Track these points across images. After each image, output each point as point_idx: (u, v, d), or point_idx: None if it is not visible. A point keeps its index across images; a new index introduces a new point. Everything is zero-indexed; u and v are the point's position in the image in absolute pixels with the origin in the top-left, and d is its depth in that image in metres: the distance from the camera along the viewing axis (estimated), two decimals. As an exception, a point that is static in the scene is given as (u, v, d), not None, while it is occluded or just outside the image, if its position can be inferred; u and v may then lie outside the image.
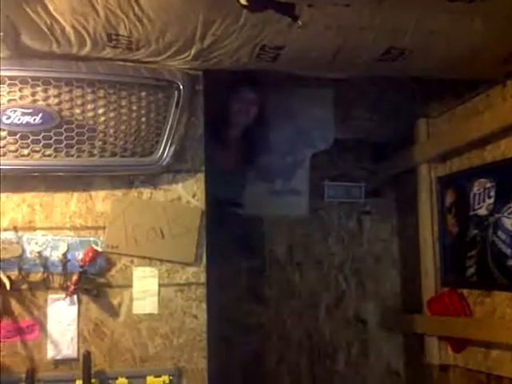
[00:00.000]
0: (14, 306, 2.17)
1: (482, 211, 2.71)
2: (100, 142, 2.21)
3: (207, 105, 2.39)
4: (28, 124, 2.12)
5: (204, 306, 2.30)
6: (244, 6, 1.91)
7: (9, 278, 2.14)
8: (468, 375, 2.81)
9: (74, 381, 2.17)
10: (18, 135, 2.13)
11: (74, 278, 2.18)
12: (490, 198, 2.66)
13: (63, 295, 2.19)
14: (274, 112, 2.76)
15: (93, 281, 2.22)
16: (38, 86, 2.14)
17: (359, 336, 3.48)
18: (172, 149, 2.29)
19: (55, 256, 2.20)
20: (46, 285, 2.20)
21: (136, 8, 1.93)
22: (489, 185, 2.67)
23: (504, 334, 2.46)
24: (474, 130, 2.70)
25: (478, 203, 2.74)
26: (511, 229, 2.50)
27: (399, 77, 2.66)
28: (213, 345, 2.35)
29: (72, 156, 2.19)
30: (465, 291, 2.85)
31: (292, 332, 3.39)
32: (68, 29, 1.99)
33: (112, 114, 2.21)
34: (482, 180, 2.72)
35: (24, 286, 2.18)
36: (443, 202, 3.02)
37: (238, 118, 2.89)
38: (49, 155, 2.17)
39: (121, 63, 2.22)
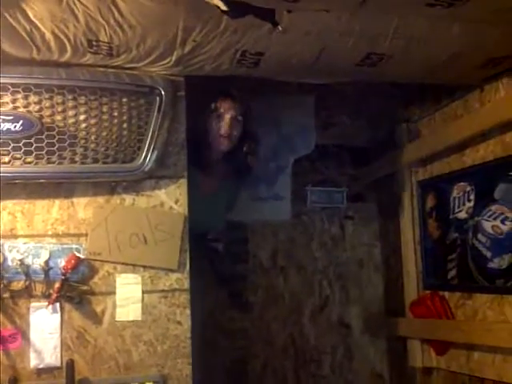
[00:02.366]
0: (-4, 314, 2.15)
1: (462, 214, 2.73)
2: (81, 149, 2.20)
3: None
4: (8, 131, 2.10)
5: (188, 312, 2.29)
6: (224, 12, 1.92)
7: (-10, 286, 2.11)
8: (451, 377, 2.83)
9: (58, 389, 2.15)
10: (-1, 143, 2.12)
11: (57, 285, 2.16)
12: (469, 201, 2.69)
13: (46, 303, 2.17)
14: (256, 120, 2.74)
15: (75, 288, 2.20)
16: (19, 92, 2.12)
17: (343, 340, 3.48)
18: (154, 155, 2.29)
19: (37, 264, 2.17)
20: (28, 293, 2.17)
21: (116, 14, 1.93)
22: (468, 188, 2.70)
23: (485, 336, 2.49)
24: (453, 134, 2.73)
25: (458, 206, 2.77)
26: (491, 231, 2.53)
27: (379, 82, 2.68)
28: (197, 351, 2.35)
29: (53, 163, 2.18)
30: (446, 294, 2.87)
31: (276, 337, 3.39)
32: (48, 35, 1.98)
33: (93, 121, 2.19)
34: (461, 184, 2.75)
35: (6, 295, 2.15)
36: (424, 206, 3.05)
37: (217, 144, 2.60)
38: (30, 162, 2.16)
39: (102, 69, 2.21)
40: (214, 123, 2.56)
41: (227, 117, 2.55)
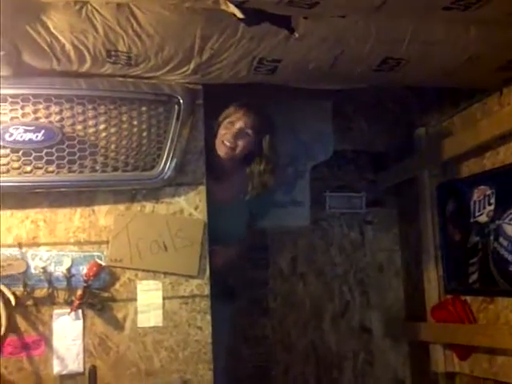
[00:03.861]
0: (20, 321, 2.18)
1: (483, 218, 2.71)
2: (102, 158, 2.23)
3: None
4: (30, 141, 2.14)
5: (208, 317, 2.30)
6: (241, 20, 1.95)
7: (14, 294, 2.14)
8: (474, 383, 2.80)
9: (81, 395, 2.17)
10: (21, 152, 2.16)
11: (79, 292, 2.19)
12: (490, 204, 2.67)
13: (68, 310, 2.20)
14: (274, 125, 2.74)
15: (97, 295, 2.23)
16: (40, 103, 2.16)
17: (364, 345, 3.46)
18: (173, 162, 2.31)
19: (59, 271, 2.21)
20: (50, 300, 2.20)
21: (134, 24, 1.97)
22: (489, 192, 2.68)
23: (508, 339, 2.46)
24: (473, 137, 2.71)
25: (479, 210, 2.75)
26: (512, 235, 2.51)
27: (397, 87, 2.68)
28: (219, 357, 2.36)
29: (74, 172, 2.21)
30: (468, 298, 2.85)
31: (297, 343, 3.38)
32: (68, 46, 2.02)
33: (113, 130, 2.23)
34: (481, 187, 2.73)
35: (29, 302, 2.19)
36: (444, 210, 3.02)
37: (219, 150, 2.54)
38: (51, 171, 2.19)
39: (121, 79, 2.25)
40: (222, 129, 2.54)
41: (236, 126, 2.52)
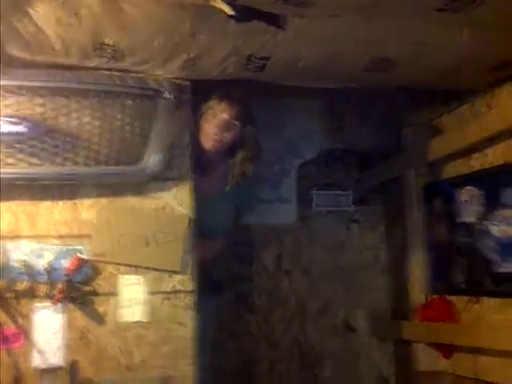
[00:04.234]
0: (0, 314, 2.17)
1: (470, 219, 2.72)
2: (85, 151, 2.21)
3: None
4: (13, 133, 2.13)
5: (192, 313, 2.29)
6: (230, 16, 1.93)
7: (-6, 286, 2.13)
8: (457, 381, 2.82)
9: (60, 389, 2.17)
10: (4, 144, 2.14)
11: (60, 286, 2.18)
12: (477, 205, 2.67)
13: (49, 304, 2.19)
14: (260, 123, 2.73)
15: (79, 289, 2.22)
16: (23, 95, 2.15)
17: (348, 343, 3.48)
18: (159, 157, 2.30)
19: (41, 264, 2.19)
20: (31, 293, 2.19)
21: (122, 18, 1.95)
22: (476, 192, 2.68)
23: (492, 339, 2.47)
24: (461, 138, 2.71)
25: (466, 211, 2.75)
26: (498, 236, 2.51)
27: (386, 86, 2.68)
28: (203, 353, 2.36)
29: (57, 164, 2.20)
30: (453, 298, 2.85)
31: (281, 340, 3.40)
32: (53, 38, 2.01)
33: (97, 123, 2.21)
34: (469, 188, 2.73)
35: (9, 295, 2.18)
36: (431, 210, 3.03)
37: (205, 144, 2.53)
38: (34, 164, 2.18)
39: (106, 72, 2.23)
40: (206, 122, 2.52)
41: (220, 118, 2.50)
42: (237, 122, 2.52)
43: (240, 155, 2.59)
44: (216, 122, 2.51)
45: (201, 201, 2.39)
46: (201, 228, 2.38)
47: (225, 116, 2.50)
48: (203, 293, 2.36)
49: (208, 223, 2.45)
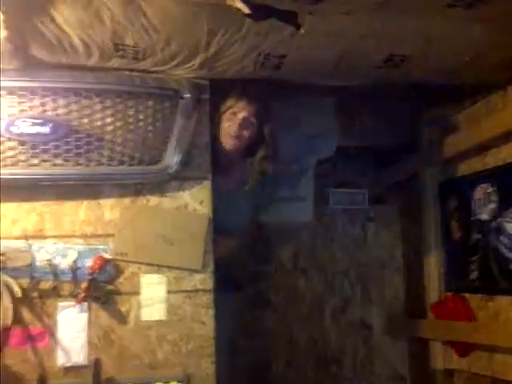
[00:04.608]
0: (25, 313, 2.19)
1: (484, 216, 2.72)
2: (108, 151, 2.24)
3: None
4: (38, 134, 2.16)
5: (211, 312, 2.31)
6: (247, 15, 1.95)
7: (20, 286, 2.15)
8: (473, 379, 2.82)
9: (84, 388, 2.19)
10: (28, 145, 2.17)
11: (84, 285, 2.20)
12: (491, 202, 2.68)
13: (73, 303, 2.21)
14: (277, 121, 2.75)
15: (102, 288, 2.24)
16: (48, 96, 2.17)
17: (365, 341, 3.49)
18: (179, 157, 2.32)
19: (65, 264, 2.21)
20: (56, 292, 2.21)
21: (142, 18, 1.97)
22: (490, 190, 2.69)
23: (507, 337, 2.48)
24: (476, 135, 2.72)
25: (480, 208, 2.76)
26: (513, 233, 2.53)
27: (401, 83, 2.69)
28: (221, 351, 2.37)
29: (81, 165, 2.22)
30: (468, 295, 2.86)
31: (298, 337, 3.41)
32: (76, 40, 2.03)
33: (119, 123, 2.24)
34: (483, 185, 2.74)
35: (34, 294, 2.20)
36: (446, 208, 3.04)
37: (226, 143, 2.55)
38: (58, 164, 2.20)
39: (127, 73, 2.26)
40: (225, 121, 2.53)
41: (240, 116, 2.51)
42: (254, 120, 2.53)
43: (260, 154, 2.60)
44: (236, 121, 2.52)
45: (219, 199, 2.41)
46: (219, 226, 2.39)
47: (244, 113, 2.52)
48: (222, 291, 2.38)
49: (226, 221, 2.47)
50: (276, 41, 2.10)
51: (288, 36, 2.08)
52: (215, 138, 2.52)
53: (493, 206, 2.67)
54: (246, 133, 2.54)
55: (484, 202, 2.73)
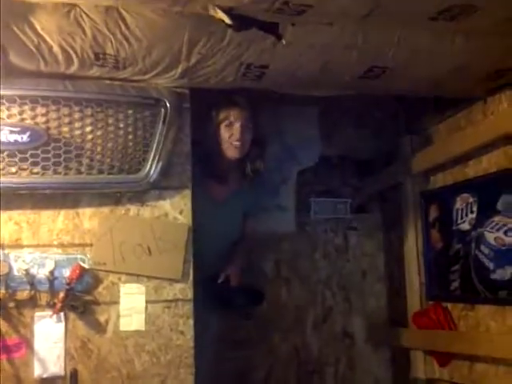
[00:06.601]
0: (1, 323, 2.16)
1: (465, 226, 2.73)
2: (87, 160, 2.23)
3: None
4: (16, 142, 2.13)
5: (191, 322, 2.30)
6: (229, 26, 1.95)
7: (-4, 296, 2.13)
8: (454, 389, 2.83)
9: (61, 399, 2.16)
10: (6, 153, 2.14)
11: (61, 295, 2.18)
12: (472, 212, 2.69)
13: (50, 313, 2.18)
14: (260, 130, 2.75)
15: (80, 298, 2.22)
16: (26, 104, 2.15)
17: (346, 351, 3.48)
18: (159, 165, 2.31)
19: (42, 273, 2.19)
20: (33, 302, 2.19)
21: (123, 27, 1.96)
22: (471, 200, 2.70)
23: (488, 347, 2.48)
24: (456, 146, 2.73)
25: (461, 218, 2.76)
26: (493, 243, 2.53)
27: (383, 94, 2.70)
28: (203, 361, 2.36)
29: (59, 174, 2.20)
30: (449, 305, 2.87)
31: (280, 347, 3.40)
32: (55, 48, 2.01)
33: (99, 132, 2.22)
34: (464, 195, 2.75)
35: (11, 304, 2.17)
36: (427, 217, 3.04)
37: (231, 153, 2.59)
38: (36, 173, 2.18)
39: (108, 82, 2.24)
40: (224, 132, 2.57)
41: (238, 125, 2.56)
42: (250, 124, 2.60)
43: (251, 153, 2.65)
44: (235, 130, 2.56)
45: (210, 207, 2.41)
46: (212, 235, 2.43)
47: (241, 121, 2.57)
48: (207, 302, 2.37)
49: (218, 229, 2.48)
50: (258, 51, 2.10)
51: (270, 46, 2.08)
52: (213, 150, 2.57)
53: (473, 215, 2.68)
54: (247, 139, 2.60)
55: (465, 212, 2.74)
